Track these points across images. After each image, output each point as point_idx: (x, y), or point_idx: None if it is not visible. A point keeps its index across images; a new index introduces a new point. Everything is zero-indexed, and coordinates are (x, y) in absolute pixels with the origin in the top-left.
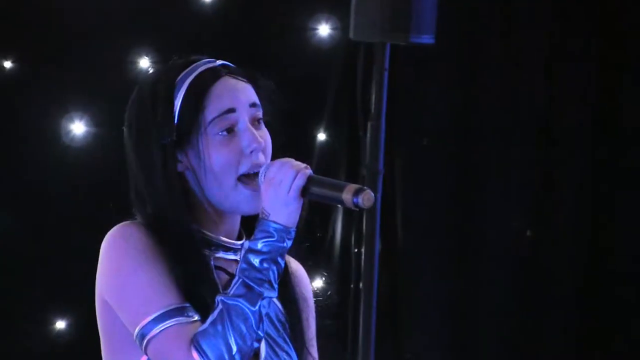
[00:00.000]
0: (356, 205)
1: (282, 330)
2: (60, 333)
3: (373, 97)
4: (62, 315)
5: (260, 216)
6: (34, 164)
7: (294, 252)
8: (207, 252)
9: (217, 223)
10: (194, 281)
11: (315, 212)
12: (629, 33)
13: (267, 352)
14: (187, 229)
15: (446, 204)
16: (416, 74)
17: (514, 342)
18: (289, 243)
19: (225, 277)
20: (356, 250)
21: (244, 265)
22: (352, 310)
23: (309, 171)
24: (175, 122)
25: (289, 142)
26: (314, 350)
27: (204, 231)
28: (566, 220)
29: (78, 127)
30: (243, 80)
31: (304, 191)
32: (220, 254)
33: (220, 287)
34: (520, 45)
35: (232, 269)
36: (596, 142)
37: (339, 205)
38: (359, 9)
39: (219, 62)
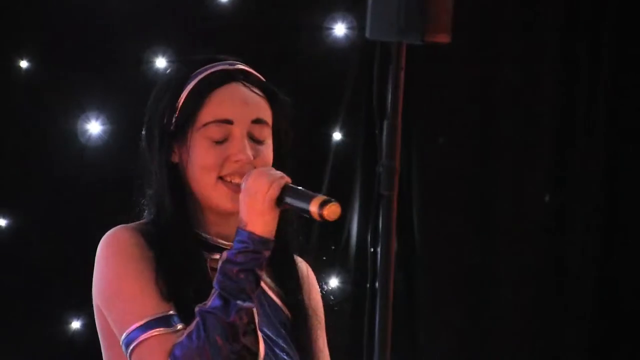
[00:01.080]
0: (321, 217)
1: (283, 332)
2: (75, 333)
3: (389, 96)
4: (77, 315)
5: (238, 226)
6: (51, 163)
7: (311, 259)
8: (203, 253)
9: (212, 224)
10: (189, 281)
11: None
12: None
13: (266, 352)
14: (181, 225)
15: (463, 202)
16: (432, 73)
17: (532, 341)
18: (266, 254)
19: None
20: (372, 250)
21: (220, 277)
22: (369, 311)
23: (284, 181)
24: (177, 114)
25: (306, 142)
26: None
27: (201, 233)
28: (585, 216)
29: (94, 127)
30: (256, 92)
31: (279, 201)
32: (217, 256)
33: None
34: (536, 42)
35: None
36: (612, 139)
37: (307, 216)
38: (375, 8)
39: (239, 66)
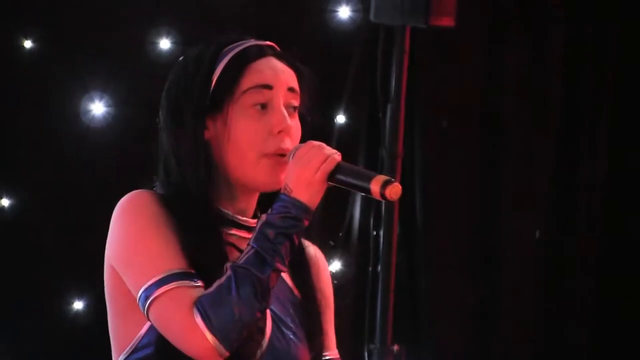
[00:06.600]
0: (383, 196)
1: (292, 312)
2: (78, 313)
3: (393, 79)
4: (80, 295)
5: (282, 191)
6: (54, 143)
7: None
8: (221, 227)
9: (233, 200)
10: (204, 252)
11: (334, 195)
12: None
13: (272, 330)
14: (205, 199)
15: (465, 186)
16: (436, 57)
17: (536, 322)
18: (306, 223)
19: (236, 253)
20: (375, 233)
21: (259, 236)
22: (370, 293)
23: (338, 157)
24: (212, 87)
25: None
26: (332, 344)
27: (220, 208)
28: (588, 205)
29: (98, 107)
30: (287, 65)
31: (331, 176)
32: (233, 231)
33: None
34: (541, 27)
35: (242, 246)
36: (614, 128)
37: (366, 194)
38: None
39: (267, 42)
